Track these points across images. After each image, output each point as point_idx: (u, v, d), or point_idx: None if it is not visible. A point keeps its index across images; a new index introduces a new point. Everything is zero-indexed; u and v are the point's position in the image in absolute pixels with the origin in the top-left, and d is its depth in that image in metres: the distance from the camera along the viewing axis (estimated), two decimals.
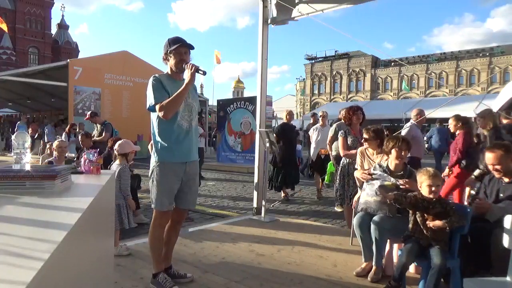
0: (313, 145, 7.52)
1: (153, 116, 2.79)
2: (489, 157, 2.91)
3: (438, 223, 2.62)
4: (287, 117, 7.32)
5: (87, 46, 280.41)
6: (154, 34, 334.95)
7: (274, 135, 7.32)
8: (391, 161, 3.24)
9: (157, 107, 2.65)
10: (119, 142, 4.08)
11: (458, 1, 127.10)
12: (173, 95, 2.67)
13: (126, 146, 3.95)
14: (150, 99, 2.70)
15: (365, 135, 3.87)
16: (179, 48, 2.73)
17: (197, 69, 2.69)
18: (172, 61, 2.77)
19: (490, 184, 3.02)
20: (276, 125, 7.88)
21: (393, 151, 3.18)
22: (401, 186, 3.05)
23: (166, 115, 2.65)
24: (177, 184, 2.79)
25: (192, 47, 2.79)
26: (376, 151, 3.80)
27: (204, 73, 2.74)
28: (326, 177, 6.16)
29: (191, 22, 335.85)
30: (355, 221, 3.27)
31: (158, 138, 2.76)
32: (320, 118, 7.75)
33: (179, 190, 2.83)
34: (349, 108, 4.81)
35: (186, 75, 2.72)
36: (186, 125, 2.79)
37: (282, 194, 7.17)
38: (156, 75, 2.79)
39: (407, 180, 3.08)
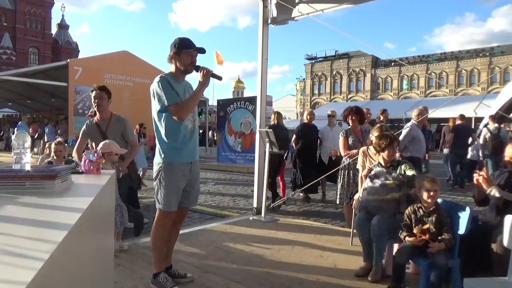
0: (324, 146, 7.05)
1: (159, 118, 2.75)
2: (510, 151, 2.97)
3: (437, 245, 2.64)
4: (308, 117, 7.14)
5: (88, 46, 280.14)
6: (155, 34, 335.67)
7: (294, 136, 7.25)
8: (385, 157, 3.30)
9: (172, 108, 2.65)
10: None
11: (460, 1, 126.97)
12: (189, 97, 2.74)
13: (104, 147, 3.83)
14: (161, 100, 2.67)
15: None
16: (193, 51, 2.76)
17: (212, 74, 2.74)
18: (182, 62, 2.76)
19: (498, 178, 3.03)
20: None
21: (387, 150, 3.26)
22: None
23: (182, 116, 2.68)
24: (183, 184, 2.82)
25: (204, 52, 2.83)
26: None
27: (220, 78, 2.83)
28: None
29: (192, 22, 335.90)
30: (356, 220, 3.28)
31: (165, 139, 2.74)
32: (328, 118, 7.28)
33: (183, 189, 2.84)
34: (344, 111, 4.81)
35: (200, 78, 2.73)
36: (191, 126, 2.83)
37: (301, 195, 7.07)
38: (162, 75, 2.77)
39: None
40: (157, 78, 2.74)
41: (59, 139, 5.11)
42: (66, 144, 4.94)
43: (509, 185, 2.90)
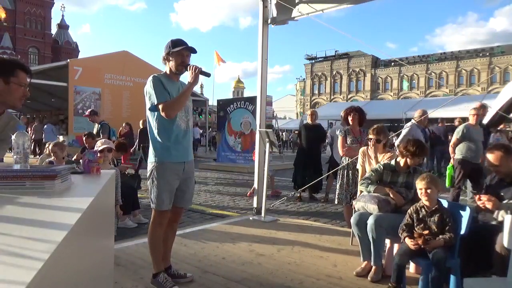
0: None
1: (151, 117, 2.78)
2: (489, 158, 2.93)
3: (435, 243, 2.65)
4: (310, 117, 7.13)
5: (90, 47, 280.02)
6: (156, 35, 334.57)
7: (297, 135, 7.26)
8: (406, 161, 3.24)
9: (161, 106, 2.65)
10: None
11: (462, 1, 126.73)
12: (178, 95, 2.73)
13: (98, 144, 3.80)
14: (151, 99, 2.70)
15: (372, 136, 3.83)
16: (182, 50, 2.75)
17: (200, 71, 2.73)
18: (173, 62, 2.78)
19: (492, 184, 3.03)
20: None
21: (417, 158, 3.20)
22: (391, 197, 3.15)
23: (170, 114, 2.67)
24: (176, 183, 2.81)
25: (195, 51, 2.82)
26: (379, 151, 3.82)
27: (208, 75, 2.81)
28: (447, 181, 5.80)
29: (194, 22, 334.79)
30: (352, 219, 3.26)
31: (158, 138, 2.76)
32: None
33: (177, 188, 2.84)
34: (346, 109, 4.82)
35: (189, 76, 2.74)
36: (184, 126, 2.82)
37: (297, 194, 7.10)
38: (155, 75, 2.79)
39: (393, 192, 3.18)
40: (150, 78, 2.76)
41: (59, 139, 5.14)
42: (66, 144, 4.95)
43: (501, 187, 2.91)
